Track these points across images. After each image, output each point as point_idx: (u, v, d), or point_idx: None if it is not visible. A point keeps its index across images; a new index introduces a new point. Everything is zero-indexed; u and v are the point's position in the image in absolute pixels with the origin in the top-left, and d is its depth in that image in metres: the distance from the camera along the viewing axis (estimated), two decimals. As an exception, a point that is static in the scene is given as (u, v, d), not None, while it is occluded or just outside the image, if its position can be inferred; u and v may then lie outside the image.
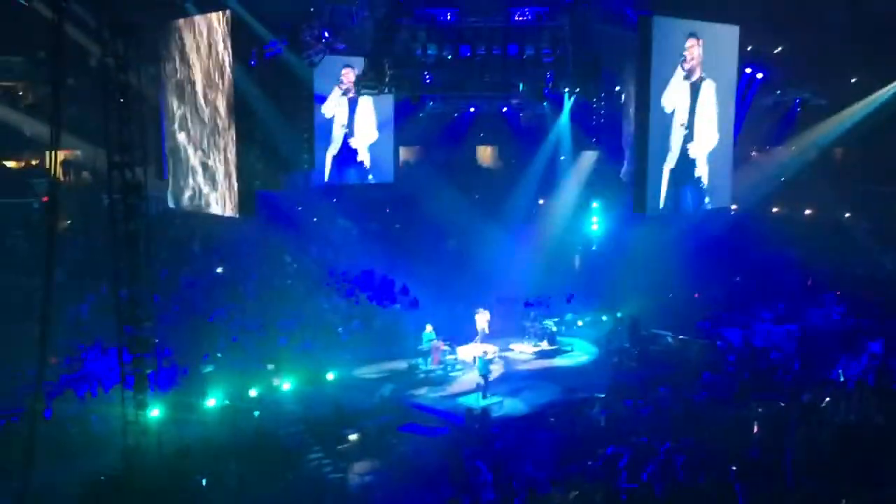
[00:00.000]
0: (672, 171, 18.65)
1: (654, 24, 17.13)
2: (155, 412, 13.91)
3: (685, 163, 18.88)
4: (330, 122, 23.14)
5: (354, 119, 23.67)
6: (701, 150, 19.20)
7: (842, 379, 18.87)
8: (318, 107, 22.08)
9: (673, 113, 18.33)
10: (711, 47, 18.42)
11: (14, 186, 27.31)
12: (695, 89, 18.56)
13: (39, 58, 26.89)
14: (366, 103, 23.59)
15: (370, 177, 24.53)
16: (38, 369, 11.94)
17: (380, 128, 24.24)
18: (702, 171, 19.36)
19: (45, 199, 25.56)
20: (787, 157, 28.09)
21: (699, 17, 18.08)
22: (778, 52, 23.39)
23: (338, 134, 23.36)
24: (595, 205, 29.66)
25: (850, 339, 21.21)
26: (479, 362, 20.77)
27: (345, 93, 22.78)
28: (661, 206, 18.75)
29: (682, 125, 18.54)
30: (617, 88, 23.62)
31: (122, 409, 12.95)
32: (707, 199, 19.85)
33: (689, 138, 18.83)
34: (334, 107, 22.98)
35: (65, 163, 28.39)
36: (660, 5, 17.14)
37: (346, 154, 23.66)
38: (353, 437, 17.38)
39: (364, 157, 24.04)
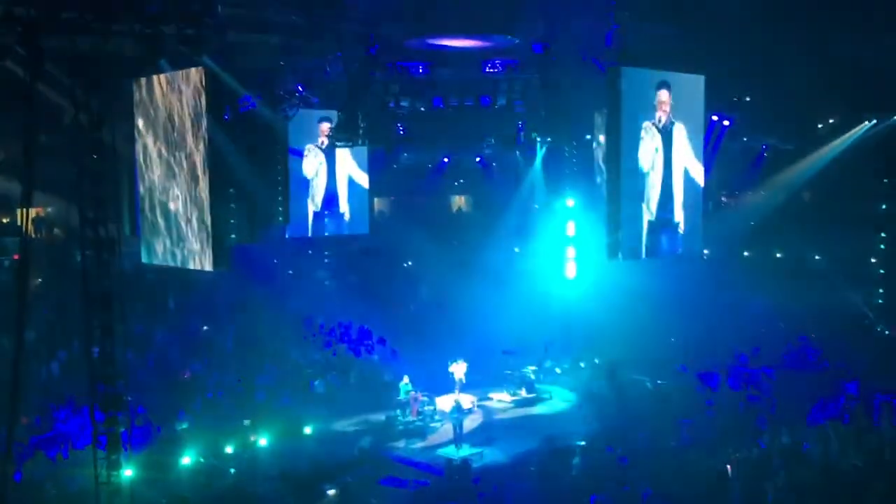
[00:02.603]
0: (649, 219, 18.85)
1: (622, 74, 17.43)
2: (128, 472, 13.63)
3: (662, 209, 19.09)
4: (310, 177, 23.25)
5: (335, 172, 23.81)
6: (676, 195, 19.48)
7: (819, 421, 18.92)
8: (297, 161, 22.22)
9: (647, 161, 18.59)
10: (680, 96, 18.78)
11: (-16, 245, 27.02)
12: (667, 137, 18.87)
13: (11, 115, 26.80)
14: (344, 155, 23.76)
15: (347, 227, 24.59)
16: (8, 431, 11.70)
17: (358, 179, 24.41)
18: (679, 217, 19.62)
19: (16, 256, 25.29)
20: (757, 201, 28.53)
21: (665, 67, 18.46)
22: (744, 100, 23.92)
23: (319, 188, 23.46)
24: (570, 251, 29.86)
25: (827, 380, 21.35)
26: (451, 409, 20.65)
27: (321, 146, 22.97)
28: (642, 253, 18.90)
29: (657, 173, 18.79)
30: (588, 136, 24.02)
31: (95, 470, 12.68)
32: (682, 245, 20.05)
33: (665, 185, 19.09)
34: (313, 161, 23.12)
35: (36, 220, 28.17)
36: (627, 56, 17.47)
37: (328, 207, 23.73)
38: (331, 492, 17.10)
39: (345, 208, 24.17)
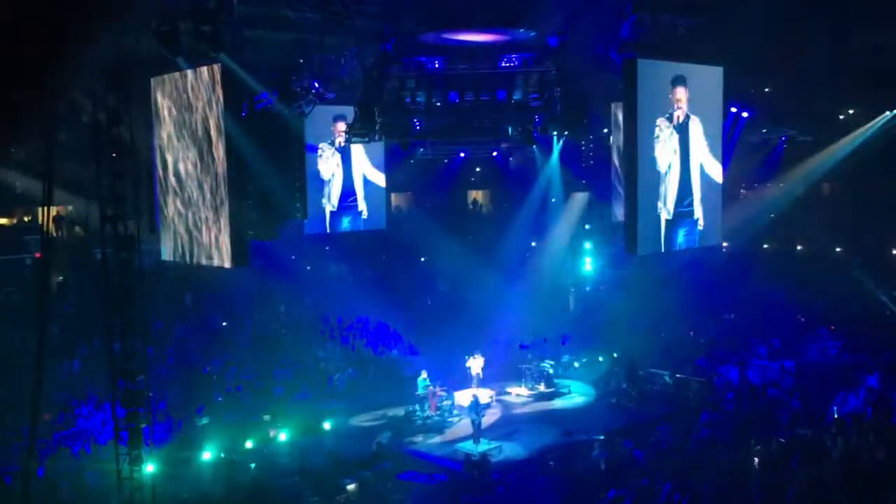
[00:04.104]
0: (667, 213, 18.72)
1: (638, 67, 17.30)
2: (150, 467, 13.75)
3: (679, 204, 18.95)
4: (326, 175, 23.34)
5: (352, 169, 23.87)
6: (694, 189, 19.33)
7: (839, 414, 18.79)
8: (312, 159, 22.28)
9: (664, 156, 18.46)
10: (697, 88, 18.64)
11: (6, 243, 27.30)
12: (683, 130, 18.73)
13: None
14: (358, 152, 23.80)
15: (364, 224, 24.67)
16: (31, 427, 11.81)
17: (373, 177, 24.46)
18: (697, 211, 19.49)
19: (37, 255, 25.54)
20: (776, 193, 28.29)
21: (682, 59, 18.31)
22: (763, 91, 23.72)
23: (336, 186, 23.56)
24: (587, 245, 29.77)
25: (847, 373, 21.19)
26: (469, 405, 20.68)
27: (332, 143, 23.08)
28: (661, 247, 18.80)
29: (674, 168, 18.66)
30: (605, 130, 23.90)
31: (117, 465, 12.79)
32: (701, 239, 19.93)
33: (683, 180, 18.96)
34: (328, 160, 23.21)
35: (57, 218, 28.41)
36: (643, 48, 17.34)
37: (344, 205, 23.82)
38: (351, 486, 17.17)
39: (362, 206, 24.26)
